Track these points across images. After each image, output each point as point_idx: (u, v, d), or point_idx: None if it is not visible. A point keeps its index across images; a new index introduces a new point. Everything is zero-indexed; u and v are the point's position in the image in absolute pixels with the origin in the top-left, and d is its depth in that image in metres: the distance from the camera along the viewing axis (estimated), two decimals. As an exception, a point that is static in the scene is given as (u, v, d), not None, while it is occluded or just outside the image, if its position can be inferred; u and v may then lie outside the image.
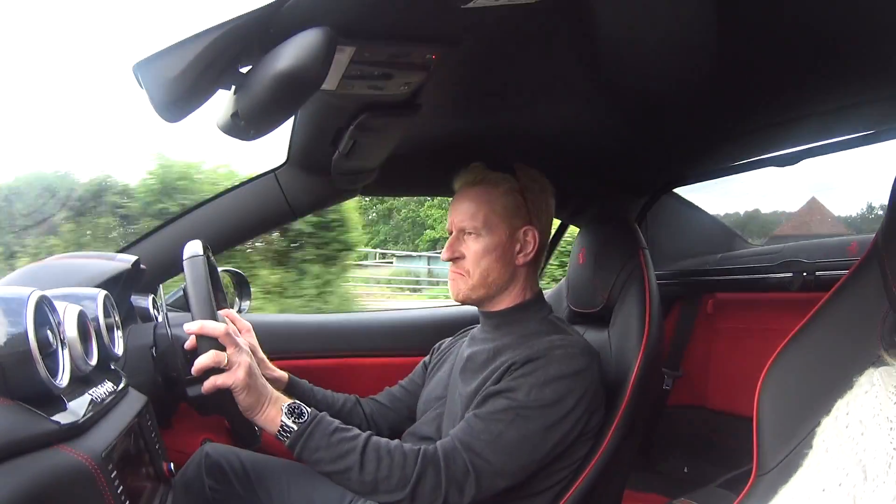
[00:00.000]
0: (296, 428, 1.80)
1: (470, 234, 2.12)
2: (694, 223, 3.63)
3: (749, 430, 1.47)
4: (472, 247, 2.11)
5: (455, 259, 2.15)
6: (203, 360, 1.76)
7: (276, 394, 1.88)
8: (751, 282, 3.08)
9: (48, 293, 1.30)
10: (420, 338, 3.12)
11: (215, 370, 1.77)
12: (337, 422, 1.86)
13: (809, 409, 1.32)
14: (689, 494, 2.14)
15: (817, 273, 2.72)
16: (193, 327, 1.78)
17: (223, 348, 1.79)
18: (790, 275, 2.81)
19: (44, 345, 1.21)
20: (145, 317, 2.39)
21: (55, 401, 1.23)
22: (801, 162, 2.69)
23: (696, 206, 3.61)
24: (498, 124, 2.35)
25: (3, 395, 1.09)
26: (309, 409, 1.85)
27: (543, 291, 2.26)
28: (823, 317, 1.45)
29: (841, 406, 1.13)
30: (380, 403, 2.48)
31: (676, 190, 3.47)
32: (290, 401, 1.87)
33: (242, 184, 2.67)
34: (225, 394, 1.79)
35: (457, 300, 2.19)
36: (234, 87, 1.36)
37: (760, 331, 3.09)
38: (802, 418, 1.34)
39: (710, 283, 3.35)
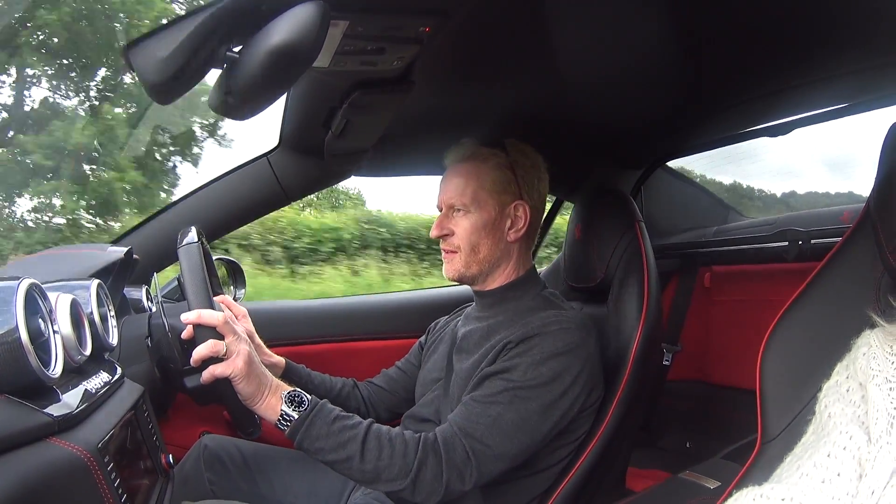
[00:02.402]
0: (296, 416, 1.75)
1: (459, 210, 2.09)
2: (688, 197, 3.62)
3: (750, 401, 1.48)
4: (462, 223, 2.09)
5: (444, 236, 2.12)
6: (201, 350, 1.71)
7: (276, 382, 1.83)
8: (747, 253, 3.08)
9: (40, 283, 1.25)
10: (416, 318, 3.11)
11: (214, 359, 1.72)
12: (338, 409, 1.82)
13: (810, 375, 1.32)
14: (694, 467, 2.10)
15: (812, 241, 2.71)
16: (191, 317, 1.73)
17: (221, 337, 1.74)
18: (786, 244, 2.80)
19: (35, 334, 1.16)
20: (139, 308, 2.36)
21: (47, 392, 1.18)
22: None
23: (690, 180, 3.60)
24: (491, 100, 2.31)
25: None
26: (309, 397, 1.80)
27: (541, 269, 2.22)
28: (820, 283, 1.46)
29: (840, 370, 1.15)
30: (377, 386, 2.45)
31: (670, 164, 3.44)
32: (290, 389, 1.82)
33: (235, 169, 2.63)
34: (224, 383, 1.74)
35: (450, 279, 2.16)
36: (226, 66, 1.31)
37: (758, 302, 3.06)
38: (804, 384, 1.35)
39: (706, 256, 3.35)
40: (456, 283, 2.20)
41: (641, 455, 2.91)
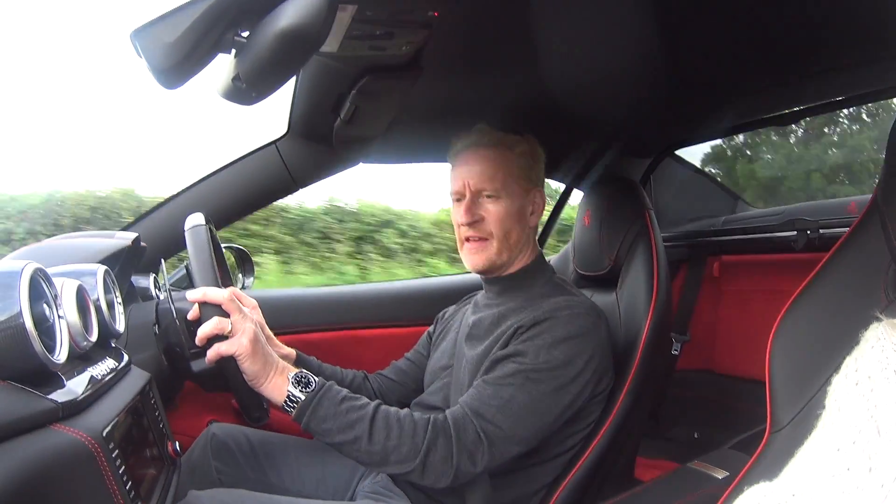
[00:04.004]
0: (303, 398, 1.73)
1: (489, 196, 2.06)
2: (696, 186, 3.60)
3: (757, 392, 1.47)
4: (493, 209, 2.05)
5: (474, 222, 2.07)
6: (206, 328, 1.70)
7: (283, 363, 1.81)
8: (756, 242, 3.08)
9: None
10: (423, 306, 3.10)
11: (219, 338, 1.71)
12: (345, 391, 1.79)
13: (819, 365, 1.31)
14: (702, 457, 2.09)
15: (821, 231, 2.71)
16: (196, 295, 1.72)
17: (227, 315, 1.72)
18: (795, 234, 2.79)
19: (40, 319, 1.14)
20: (147, 297, 2.33)
21: (52, 378, 1.16)
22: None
23: (699, 169, 3.58)
24: (500, 87, 2.30)
25: None
26: (316, 379, 1.78)
27: (549, 257, 2.21)
28: (828, 273, 1.45)
29: (849, 363, 1.13)
30: (388, 378, 2.42)
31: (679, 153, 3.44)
32: (296, 370, 1.80)
33: (243, 157, 2.61)
34: (229, 363, 1.72)
35: (479, 268, 2.11)
36: (234, 51, 1.29)
37: (766, 293, 3.08)
38: (812, 374, 1.33)
39: (715, 246, 3.34)
40: (465, 271, 2.18)
41: (649, 445, 2.90)
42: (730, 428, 2.66)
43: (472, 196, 2.07)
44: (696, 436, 3.36)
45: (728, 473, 1.93)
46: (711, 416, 3.34)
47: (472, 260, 2.11)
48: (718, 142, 4.55)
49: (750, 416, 1.83)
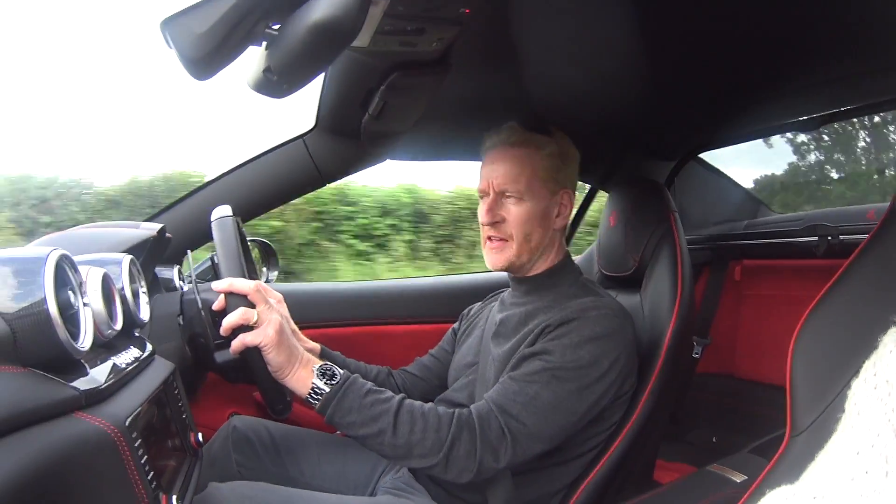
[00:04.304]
0: (327, 390, 1.71)
1: (511, 197, 2.03)
2: (719, 190, 3.59)
3: (777, 398, 1.48)
4: (514, 211, 2.02)
5: (495, 223, 2.05)
6: (232, 318, 1.68)
7: (308, 355, 1.79)
8: (778, 247, 3.06)
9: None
10: (448, 303, 3.09)
11: (244, 329, 1.69)
12: (369, 384, 1.78)
13: (838, 369, 1.30)
14: (721, 461, 2.08)
15: (841, 237, 2.71)
16: (222, 285, 1.71)
17: (252, 306, 1.71)
18: (815, 239, 2.79)
19: (64, 306, 1.12)
20: (170, 288, 2.34)
21: (75, 366, 1.14)
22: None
23: (722, 173, 3.57)
24: (527, 86, 2.28)
25: (13, 363, 1.00)
26: (341, 371, 1.76)
27: (574, 258, 2.20)
28: (848, 279, 1.44)
29: (868, 367, 1.14)
30: (411, 374, 2.41)
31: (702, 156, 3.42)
32: (321, 362, 1.78)
33: (269, 150, 2.61)
34: (254, 354, 1.71)
35: (498, 268, 2.09)
36: (265, 44, 1.28)
37: (787, 298, 3.03)
38: (832, 378, 1.32)
39: (737, 250, 3.32)
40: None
41: (668, 448, 2.89)
42: (748, 432, 2.64)
43: (496, 196, 2.05)
44: (714, 440, 3.34)
45: (746, 477, 1.93)
46: (730, 420, 3.33)
47: (491, 259, 2.09)
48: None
49: (768, 420, 1.82)
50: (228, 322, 1.69)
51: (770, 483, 1.28)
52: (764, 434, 2.18)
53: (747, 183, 3.79)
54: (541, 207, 2.03)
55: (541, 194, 2.03)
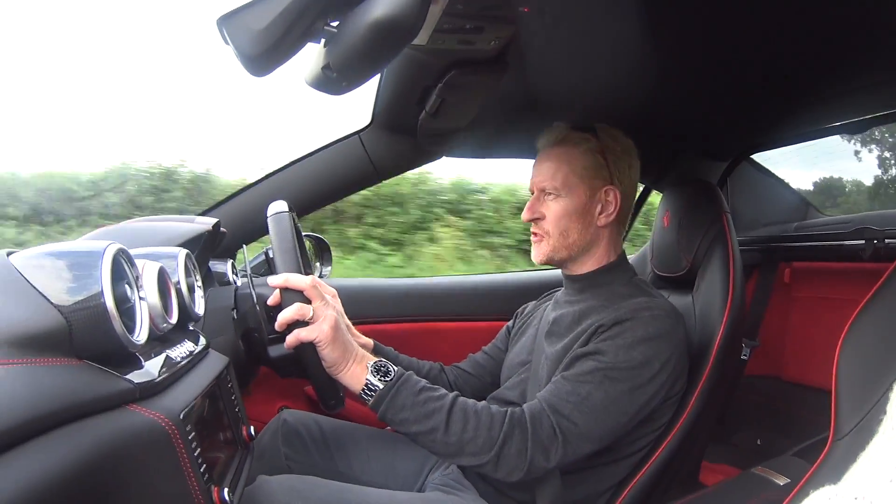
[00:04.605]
0: (381, 386, 1.71)
1: (550, 194, 2.04)
2: (770, 191, 3.55)
3: (823, 401, 1.45)
4: (552, 207, 2.04)
5: (535, 220, 2.07)
6: (287, 313, 1.68)
7: (362, 351, 1.79)
8: (826, 250, 3.02)
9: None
10: (503, 302, 3.08)
11: (299, 324, 1.69)
12: (424, 381, 1.77)
13: (882, 372, 1.29)
14: (765, 463, 2.07)
15: (886, 241, 2.67)
16: (278, 280, 1.70)
17: (308, 302, 1.70)
18: (863, 243, 2.74)
19: (121, 300, 1.12)
20: (224, 282, 2.35)
21: (130, 359, 1.14)
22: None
23: (773, 174, 3.53)
24: (582, 85, 2.27)
25: (68, 355, 1.01)
26: (395, 368, 1.76)
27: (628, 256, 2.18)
28: (892, 283, 1.43)
29: None
30: (464, 371, 2.40)
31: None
32: (375, 359, 1.78)
33: (325, 146, 2.63)
34: (308, 349, 1.70)
35: (538, 262, 2.11)
36: (323, 41, 1.29)
37: (835, 301, 3.03)
38: (876, 381, 1.30)
39: (787, 252, 3.28)
40: (545, 267, 2.17)
41: (713, 449, 2.88)
42: (793, 435, 2.64)
43: (538, 194, 2.08)
44: (758, 442, 3.31)
45: (789, 480, 1.91)
46: (775, 422, 3.29)
47: (533, 253, 2.12)
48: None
49: (814, 424, 1.81)
50: (283, 317, 1.68)
51: (812, 485, 1.27)
52: (808, 437, 2.17)
53: (798, 184, 3.75)
54: (579, 204, 2.03)
55: (579, 191, 2.03)
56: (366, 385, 1.72)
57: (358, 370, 1.73)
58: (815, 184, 4.08)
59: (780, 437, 3.08)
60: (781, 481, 1.92)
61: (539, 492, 1.87)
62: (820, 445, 1.38)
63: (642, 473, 1.95)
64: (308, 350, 1.70)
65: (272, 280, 1.71)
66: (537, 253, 2.09)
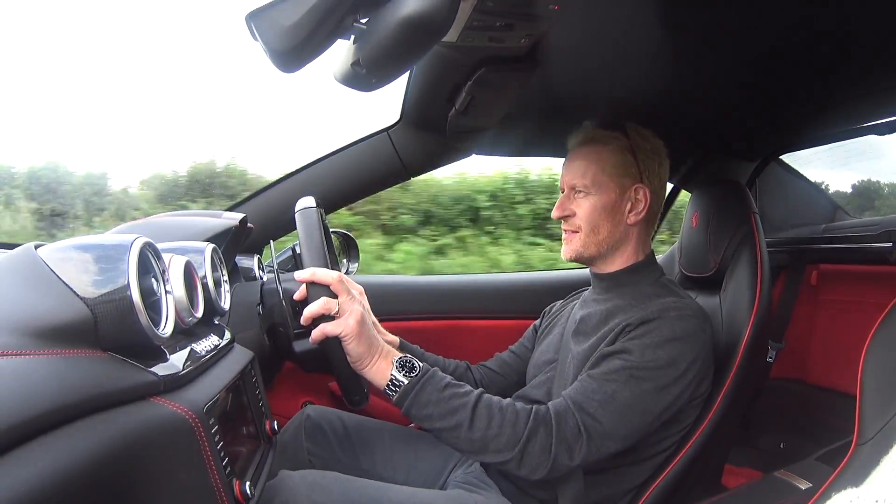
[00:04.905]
0: (406, 382, 1.71)
1: (580, 192, 2.03)
2: (799, 192, 3.51)
3: (847, 406, 1.44)
4: (583, 204, 2.03)
5: (565, 217, 2.07)
6: (313, 307, 1.68)
7: (388, 347, 1.78)
8: (853, 253, 2.99)
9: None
10: (530, 300, 3.06)
11: (325, 319, 1.69)
12: (448, 377, 1.76)
13: None
14: (788, 467, 2.05)
15: None
16: (305, 275, 1.70)
17: (335, 296, 1.70)
18: (890, 245, 2.71)
19: (147, 293, 1.12)
20: (250, 277, 2.36)
21: (155, 352, 1.15)
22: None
23: (801, 175, 3.49)
24: (612, 83, 2.25)
25: (93, 347, 1.01)
26: (420, 364, 1.76)
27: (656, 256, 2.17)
28: None
29: None
30: (490, 369, 2.39)
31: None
32: (400, 354, 1.77)
33: (354, 143, 2.63)
34: (334, 344, 1.70)
35: (568, 259, 2.10)
36: (353, 37, 1.29)
37: (862, 304, 3.00)
38: None
39: (814, 254, 3.24)
40: (573, 266, 2.16)
41: (736, 452, 2.85)
42: (817, 439, 2.62)
43: (568, 192, 2.07)
44: (781, 446, 3.28)
45: (811, 485, 1.91)
46: (799, 426, 3.26)
47: (562, 250, 2.12)
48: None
49: (838, 428, 1.79)
50: (310, 311, 1.68)
51: (835, 489, 1.26)
52: (832, 441, 2.14)
53: (832, 186, 3.73)
54: (608, 201, 2.02)
55: (608, 188, 2.02)
56: (390, 380, 1.71)
57: (383, 365, 1.73)
58: (852, 186, 4.03)
59: (803, 441, 3.05)
60: (804, 485, 1.91)
61: (561, 491, 1.86)
62: (843, 450, 1.37)
63: (665, 475, 1.94)
64: (333, 345, 1.70)
65: (299, 275, 1.71)
66: (567, 249, 2.08)
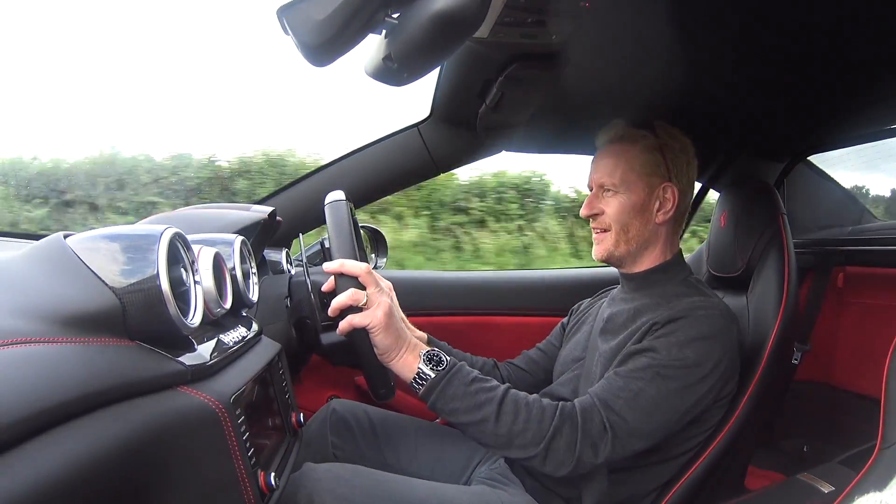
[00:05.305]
0: (433, 375, 1.70)
1: (608, 190, 2.03)
2: (826, 193, 3.48)
3: (872, 409, 1.43)
4: (611, 203, 2.02)
5: (594, 215, 2.06)
6: (341, 299, 1.67)
7: (415, 340, 1.77)
8: (880, 255, 2.96)
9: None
10: (559, 298, 3.06)
11: (352, 310, 1.68)
12: (475, 372, 1.75)
13: None
14: (810, 470, 2.04)
15: None
16: (333, 266, 1.70)
17: (363, 288, 1.70)
18: None
19: (176, 283, 1.13)
20: (278, 270, 2.36)
21: (183, 342, 1.15)
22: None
23: (829, 176, 3.47)
24: (640, 81, 2.24)
25: (121, 336, 1.01)
26: (447, 358, 1.75)
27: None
28: None
29: None
30: (517, 367, 2.38)
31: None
32: (428, 348, 1.76)
33: (383, 138, 2.63)
34: (361, 336, 1.69)
35: (599, 259, 2.10)
36: (384, 32, 1.29)
37: (889, 307, 2.96)
38: None
39: (841, 256, 3.21)
40: (602, 264, 2.15)
41: (759, 454, 2.84)
42: (840, 443, 2.59)
43: (597, 190, 2.06)
44: (805, 449, 3.25)
45: (833, 488, 1.90)
46: (823, 429, 3.23)
47: (593, 250, 2.10)
48: None
49: (862, 432, 1.77)
50: (337, 302, 1.67)
51: (857, 492, 1.25)
52: (856, 445, 2.13)
53: (855, 187, 3.69)
54: (637, 200, 2.01)
55: (637, 187, 2.01)
56: (417, 374, 1.71)
57: (410, 358, 1.72)
58: (881, 188, 3.99)
59: (827, 445, 3.02)
60: (826, 489, 1.90)
61: (585, 489, 1.86)
62: (867, 454, 1.36)
63: (689, 475, 1.93)
64: (360, 336, 1.69)
65: (328, 266, 1.71)
66: (598, 250, 2.07)
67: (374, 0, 1.16)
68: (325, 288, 1.79)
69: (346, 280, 1.69)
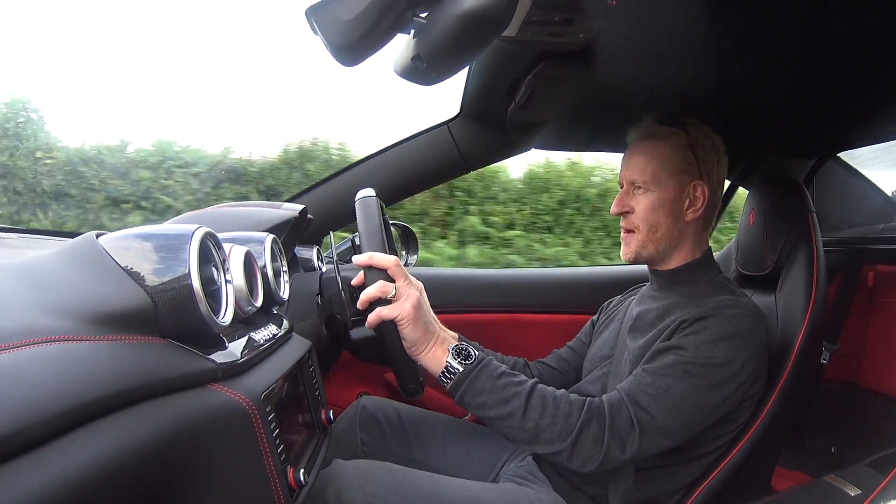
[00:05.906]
0: (461, 369, 1.70)
1: (639, 188, 2.00)
2: (856, 191, 3.44)
3: None
4: (642, 201, 2.00)
5: (624, 213, 2.04)
6: (370, 290, 1.68)
7: (444, 334, 1.78)
8: None
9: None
10: (588, 295, 3.07)
11: (381, 302, 1.68)
12: (504, 366, 1.75)
13: None
14: (838, 472, 2.02)
15: None
16: (363, 258, 1.70)
17: (392, 281, 1.70)
18: None
19: (207, 282, 1.13)
20: (308, 268, 2.37)
21: (214, 340, 1.16)
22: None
23: (859, 174, 3.42)
24: (668, 78, 2.24)
25: (153, 334, 1.02)
26: (476, 352, 1.74)
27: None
28: None
29: None
30: (548, 366, 2.37)
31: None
32: (456, 342, 1.76)
33: (413, 136, 2.64)
34: (390, 328, 1.70)
35: (627, 260, 2.08)
36: (413, 31, 1.29)
37: None
38: None
39: (871, 254, 3.16)
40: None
41: (786, 455, 2.81)
42: (868, 445, 2.55)
43: (627, 187, 2.04)
44: (832, 450, 3.22)
45: (860, 491, 1.86)
46: (851, 430, 3.19)
47: (622, 251, 2.09)
48: None
49: (890, 434, 1.75)
50: (367, 294, 1.68)
51: (884, 497, 1.24)
52: (884, 448, 2.10)
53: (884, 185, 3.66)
54: (668, 198, 1.99)
55: (667, 185, 1.99)
56: (445, 367, 1.71)
57: (439, 352, 1.72)
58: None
59: (855, 446, 2.96)
60: (853, 492, 1.88)
61: (612, 487, 1.85)
62: (895, 457, 1.35)
63: (715, 474, 1.92)
64: (389, 329, 1.70)
65: (357, 259, 1.71)
66: (626, 251, 2.06)
67: (401, 0, 1.16)
68: (354, 282, 1.80)
69: (376, 273, 1.70)
